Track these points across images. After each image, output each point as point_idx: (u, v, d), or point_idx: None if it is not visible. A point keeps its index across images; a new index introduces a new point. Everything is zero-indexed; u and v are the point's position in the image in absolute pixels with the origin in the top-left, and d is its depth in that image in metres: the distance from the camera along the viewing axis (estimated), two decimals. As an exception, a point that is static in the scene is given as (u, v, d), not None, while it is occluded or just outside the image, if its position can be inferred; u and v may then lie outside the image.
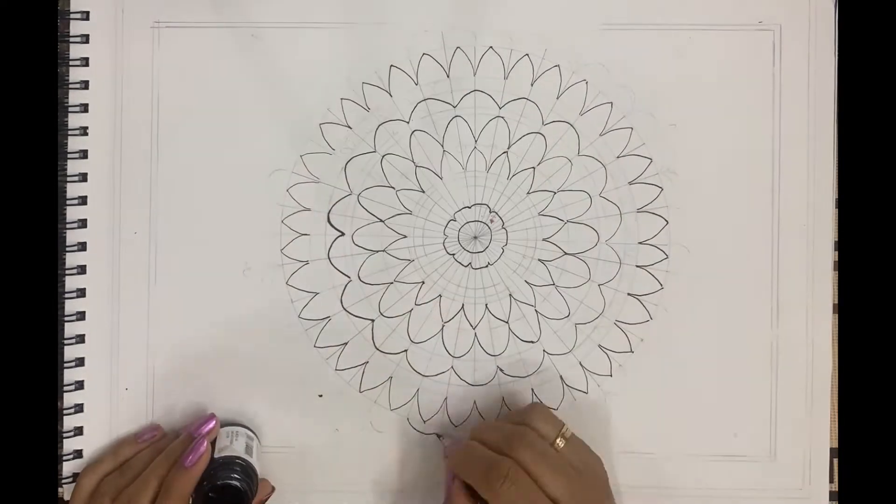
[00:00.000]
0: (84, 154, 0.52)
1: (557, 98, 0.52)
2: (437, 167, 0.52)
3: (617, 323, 0.52)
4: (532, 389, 0.52)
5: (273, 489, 0.51)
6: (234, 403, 0.52)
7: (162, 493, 0.46)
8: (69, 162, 0.51)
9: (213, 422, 0.49)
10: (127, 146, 0.52)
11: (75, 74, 0.51)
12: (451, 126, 0.52)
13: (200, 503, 0.46)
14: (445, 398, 0.52)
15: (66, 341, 0.51)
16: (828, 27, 0.51)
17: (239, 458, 0.48)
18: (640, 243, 0.52)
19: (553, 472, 0.44)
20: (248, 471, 0.48)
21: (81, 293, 0.52)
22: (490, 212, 0.52)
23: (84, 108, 0.52)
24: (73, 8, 0.51)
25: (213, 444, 0.49)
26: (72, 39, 0.51)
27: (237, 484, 0.47)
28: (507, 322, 0.52)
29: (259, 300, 0.52)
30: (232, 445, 0.49)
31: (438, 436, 0.52)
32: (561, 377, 0.52)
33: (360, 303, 0.52)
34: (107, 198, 0.52)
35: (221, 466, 0.47)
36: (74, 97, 0.51)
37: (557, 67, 0.52)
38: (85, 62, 0.51)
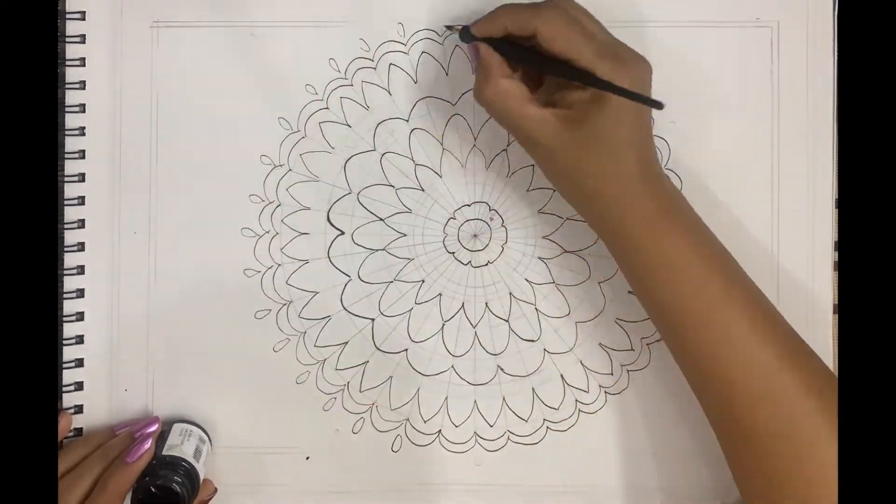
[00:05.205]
0: (82, 154, 0.51)
1: (557, 95, 0.52)
2: (437, 165, 0.52)
3: (617, 321, 0.52)
4: (532, 388, 0.52)
5: (216, 490, 0.50)
6: (234, 403, 0.52)
7: (98, 488, 0.46)
8: (67, 162, 0.51)
9: (156, 425, 0.49)
10: (125, 146, 0.52)
11: (72, 74, 0.51)
12: (450, 124, 0.52)
13: (137, 499, 0.46)
14: (446, 398, 0.52)
15: (65, 342, 0.51)
16: (826, 23, 0.51)
17: (185, 460, 0.48)
18: (640, 240, 0.52)
19: (590, 18, 0.45)
20: (191, 475, 0.48)
21: (80, 293, 0.51)
22: (490, 210, 0.52)
23: (81, 108, 0.51)
24: (69, 8, 0.51)
25: (163, 438, 0.49)
26: (68, 39, 0.51)
27: (177, 488, 0.46)
28: (507, 320, 0.52)
29: (259, 300, 0.52)
30: (181, 446, 0.49)
31: (448, 27, 0.47)
32: (561, 376, 0.52)
33: (360, 302, 0.52)
34: (105, 198, 0.52)
35: (166, 465, 0.47)
36: (72, 97, 0.51)
37: (556, 65, 0.51)
38: (82, 62, 0.51)
